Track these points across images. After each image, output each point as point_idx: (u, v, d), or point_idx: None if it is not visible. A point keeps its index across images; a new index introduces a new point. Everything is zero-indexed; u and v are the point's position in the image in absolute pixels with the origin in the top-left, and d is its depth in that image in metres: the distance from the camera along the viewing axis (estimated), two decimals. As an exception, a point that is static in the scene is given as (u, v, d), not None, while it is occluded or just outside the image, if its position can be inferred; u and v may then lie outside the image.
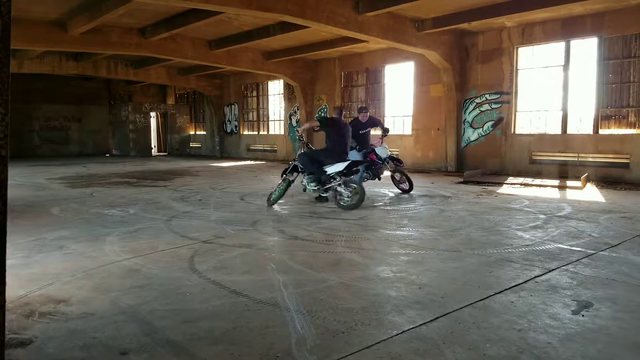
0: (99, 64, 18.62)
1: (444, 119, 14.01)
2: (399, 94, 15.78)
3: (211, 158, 22.24)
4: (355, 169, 7.69)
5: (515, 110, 12.90)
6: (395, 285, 3.86)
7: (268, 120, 21.14)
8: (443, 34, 12.73)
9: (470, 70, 13.54)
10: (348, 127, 8.20)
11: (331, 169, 7.54)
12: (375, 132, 9.82)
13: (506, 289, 3.73)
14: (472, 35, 13.28)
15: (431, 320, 3.11)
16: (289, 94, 19.49)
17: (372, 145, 9.16)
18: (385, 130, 9.53)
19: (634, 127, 10.95)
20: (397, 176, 9.32)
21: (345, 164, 7.45)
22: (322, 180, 7.65)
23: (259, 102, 21.45)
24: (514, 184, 10.76)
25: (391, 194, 9.25)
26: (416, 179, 12.00)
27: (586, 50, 11.67)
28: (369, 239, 5.57)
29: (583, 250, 4.91)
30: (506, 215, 6.99)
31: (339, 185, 7.49)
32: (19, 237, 5.60)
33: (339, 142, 7.85)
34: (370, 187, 10.47)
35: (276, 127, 20.79)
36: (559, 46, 11.98)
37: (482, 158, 13.46)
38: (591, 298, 3.53)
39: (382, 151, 9.04)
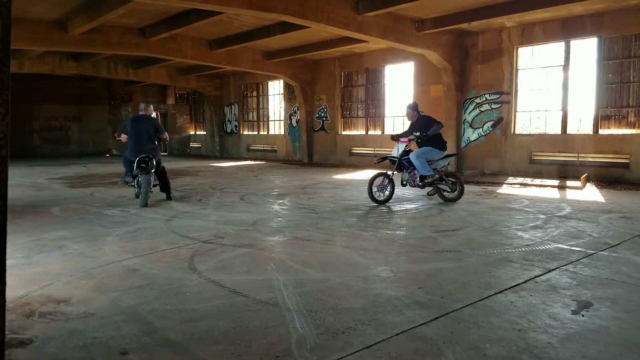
0: (99, 64, 18.62)
1: (444, 119, 13.97)
2: (399, 94, 15.79)
3: (211, 158, 22.24)
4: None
5: (515, 110, 12.90)
6: (395, 285, 3.86)
7: (268, 121, 21.15)
8: (443, 34, 12.73)
9: (470, 71, 13.55)
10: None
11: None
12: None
13: (506, 289, 3.73)
14: (472, 36, 13.28)
15: (431, 320, 3.11)
16: (289, 94, 19.49)
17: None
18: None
19: (634, 127, 10.95)
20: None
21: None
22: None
23: (259, 102, 21.46)
24: (514, 184, 10.77)
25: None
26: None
27: (586, 50, 11.68)
28: (369, 239, 5.58)
29: (583, 250, 4.91)
30: (506, 215, 6.99)
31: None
32: (19, 237, 5.60)
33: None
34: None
35: (276, 127, 20.81)
36: (558, 46, 11.98)
37: (482, 158, 13.46)
38: (591, 298, 3.53)
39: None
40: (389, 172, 8.07)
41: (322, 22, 10.30)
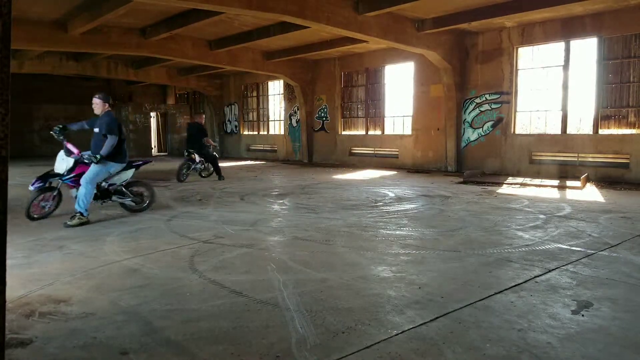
0: (99, 64, 18.62)
1: (444, 119, 14.01)
2: (399, 94, 15.79)
3: (211, 158, 22.21)
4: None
5: (515, 110, 12.90)
6: (395, 285, 3.86)
7: (268, 121, 21.15)
8: (443, 34, 12.73)
9: (470, 71, 13.55)
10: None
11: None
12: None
13: (506, 289, 3.73)
14: (472, 36, 13.28)
15: (431, 320, 3.11)
16: (289, 94, 19.49)
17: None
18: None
19: (634, 127, 10.95)
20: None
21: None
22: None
23: (259, 102, 21.46)
24: (514, 184, 10.77)
25: (391, 194, 9.25)
26: (416, 179, 12.03)
27: (586, 50, 11.68)
28: (369, 239, 5.58)
29: (583, 250, 4.91)
30: (506, 215, 6.99)
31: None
32: (19, 237, 5.61)
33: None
34: (370, 187, 10.49)
35: (276, 127, 20.80)
36: (558, 46, 11.98)
37: (482, 158, 13.46)
38: (591, 298, 3.53)
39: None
40: (53, 186, 6.80)
41: (322, 22, 10.30)
